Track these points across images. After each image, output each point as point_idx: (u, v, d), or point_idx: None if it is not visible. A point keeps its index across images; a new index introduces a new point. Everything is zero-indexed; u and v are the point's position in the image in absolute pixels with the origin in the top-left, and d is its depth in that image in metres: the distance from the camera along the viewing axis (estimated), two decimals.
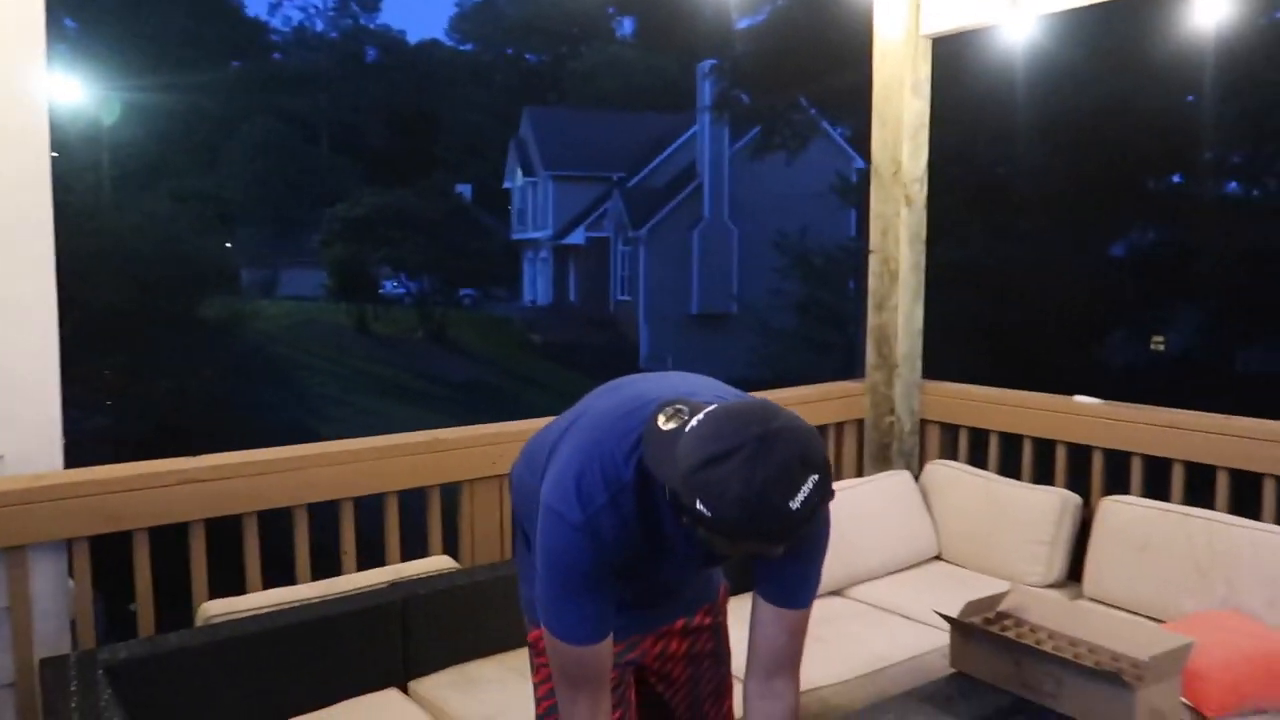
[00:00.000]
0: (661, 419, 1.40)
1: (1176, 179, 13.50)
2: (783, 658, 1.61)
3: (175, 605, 2.50)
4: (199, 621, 2.33)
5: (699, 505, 1.30)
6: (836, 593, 3.16)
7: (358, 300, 25.05)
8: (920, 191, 3.63)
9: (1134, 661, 1.98)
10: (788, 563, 1.49)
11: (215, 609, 2.33)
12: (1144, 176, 12.40)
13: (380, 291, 26.97)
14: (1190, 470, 3.09)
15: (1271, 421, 2.92)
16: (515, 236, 29.73)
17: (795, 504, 1.29)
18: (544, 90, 33.34)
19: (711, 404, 1.40)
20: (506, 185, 30.34)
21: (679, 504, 1.34)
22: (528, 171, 28.02)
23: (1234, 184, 13.86)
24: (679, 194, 22.27)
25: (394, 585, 2.49)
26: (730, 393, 1.58)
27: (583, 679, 1.54)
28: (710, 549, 1.40)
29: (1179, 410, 3.15)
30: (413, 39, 47.62)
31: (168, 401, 13.14)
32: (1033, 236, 11.92)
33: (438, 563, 2.71)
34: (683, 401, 1.43)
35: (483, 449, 2.89)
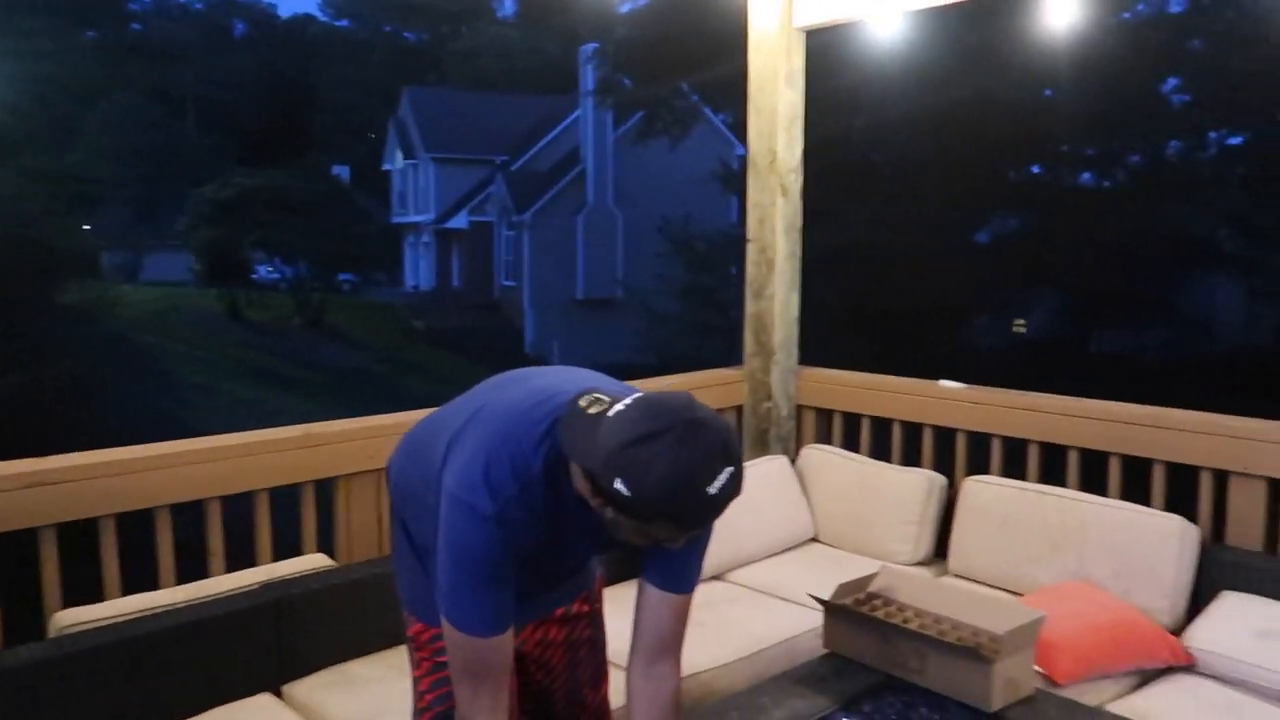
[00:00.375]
0: (583, 403, 1.43)
1: (1036, 169, 14.20)
2: (668, 641, 1.67)
3: (25, 616, 2.35)
4: (52, 633, 2.20)
5: (619, 485, 1.33)
6: (717, 577, 3.22)
7: (229, 285, 23.99)
8: (796, 181, 3.71)
9: (992, 636, 2.09)
10: (678, 549, 1.53)
11: (69, 619, 2.21)
12: (1006, 167, 13.02)
13: (253, 276, 25.89)
14: (1044, 450, 3.27)
15: (1116, 404, 3.11)
16: (396, 220, 29.00)
17: (713, 490, 1.33)
18: (424, 70, 32.54)
19: (636, 393, 1.44)
20: (386, 167, 29.54)
21: (596, 486, 1.37)
22: (408, 153, 27.35)
23: (1088, 175, 14.67)
24: (563, 178, 22.15)
25: (266, 586, 2.41)
26: (628, 388, 1.60)
27: (485, 672, 1.54)
28: (614, 536, 1.44)
29: (1034, 393, 3.33)
30: (284, 13, 45.79)
31: (21, 395, 12.32)
32: (904, 223, 12.37)
33: (313, 561, 2.64)
34: (601, 391, 1.46)
35: (359, 442, 2.82)
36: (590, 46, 18.62)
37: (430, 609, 1.61)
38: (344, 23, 37.94)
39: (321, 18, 38.44)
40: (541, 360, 17.61)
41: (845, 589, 2.36)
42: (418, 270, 29.12)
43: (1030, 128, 11.93)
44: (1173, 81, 13.19)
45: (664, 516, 1.35)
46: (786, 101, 3.65)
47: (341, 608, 2.47)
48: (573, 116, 22.54)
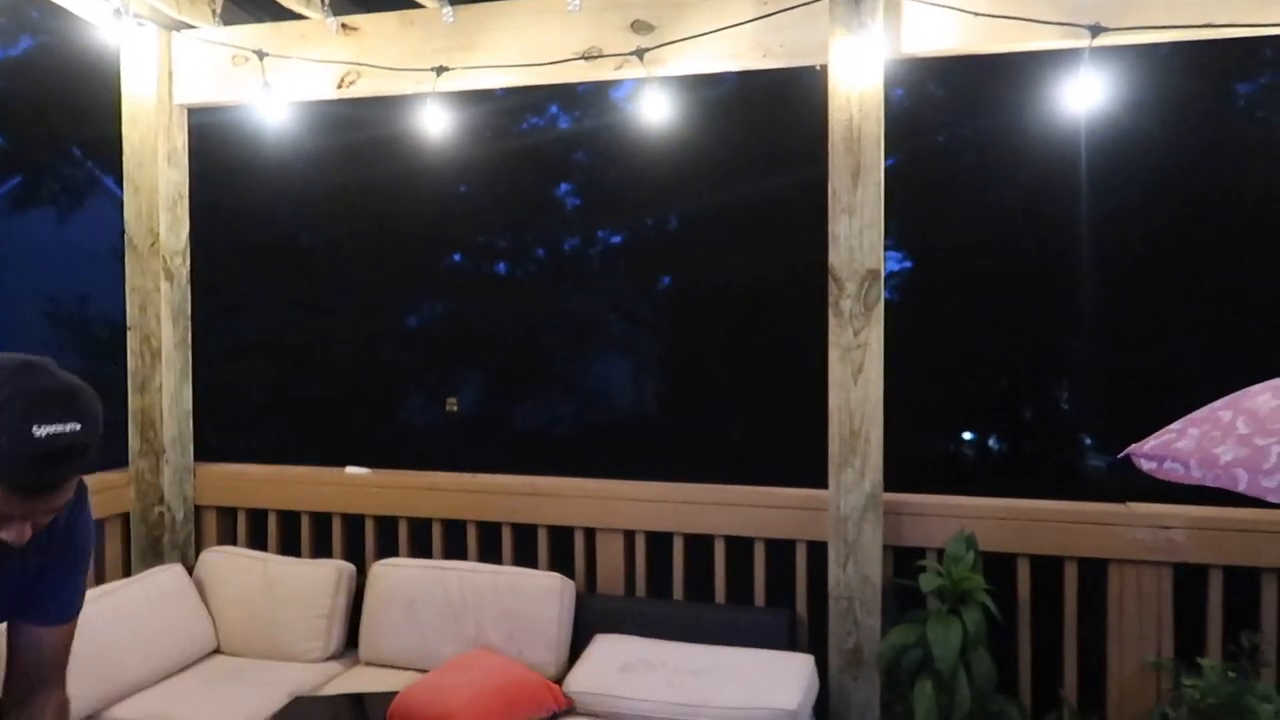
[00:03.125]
0: None
1: (457, 258, 15.19)
2: (57, 670, 1.60)
3: None
4: None
5: None
6: (92, 717, 2.78)
7: None
8: (183, 265, 3.46)
9: None
10: (64, 577, 1.50)
11: None
12: (431, 254, 13.72)
13: None
14: (447, 526, 3.42)
15: (503, 476, 3.41)
16: None
17: (41, 433, 1.20)
18: None
19: None
20: None
21: None
22: None
23: (503, 265, 16.09)
24: None
25: None
26: None
27: None
28: None
29: (434, 473, 3.49)
30: None
31: None
32: (335, 306, 12.34)
33: None
34: None
35: None
36: None
37: None
38: None
39: None
40: None
41: None
42: None
43: (450, 219, 12.78)
44: (565, 186, 15.15)
45: None
46: (169, 181, 3.41)
47: None
48: None
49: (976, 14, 2.70)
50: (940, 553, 2.82)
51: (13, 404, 1.21)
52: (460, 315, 14.26)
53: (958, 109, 10.32)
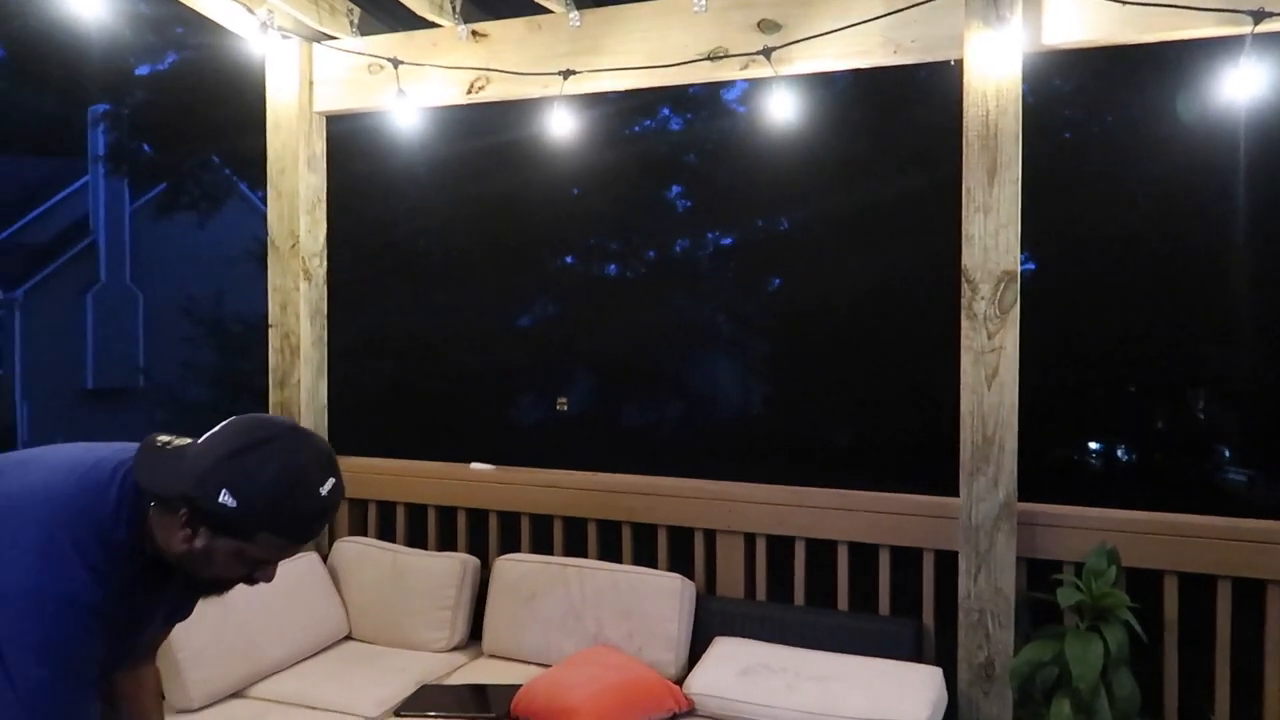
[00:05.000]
0: (159, 442, 1.41)
1: (569, 259, 15.40)
2: (155, 647, 1.74)
3: None
4: None
5: (224, 498, 1.31)
6: (237, 694, 2.92)
7: None
8: (320, 266, 3.61)
9: None
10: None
11: None
12: (544, 257, 13.95)
13: None
14: (568, 523, 3.46)
15: (624, 476, 3.43)
16: None
17: (325, 490, 1.37)
18: None
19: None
20: None
21: (192, 512, 1.33)
22: None
23: (613, 267, 16.24)
24: (67, 252, 19.40)
25: None
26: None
27: None
28: (201, 578, 1.41)
29: (556, 470, 3.53)
30: None
31: None
32: (452, 307, 12.67)
33: None
34: (166, 435, 1.44)
35: None
36: (101, 107, 16.69)
37: None
38: None
39: None
40: None
41: None
42: None
43: (562, 222, 12.96)
44: (676, 188, 15.17)
45: (270, 528, 1.34)
46: (308, 185, 3.56)
47: None
48: (79, 183, 19.94)
49: (1125, 2, 2.58)
50: (1078, 566, 2.70)
51: (301, 474, 1.36)
52: (571, 316, 14.45)
53: (1086, 104, 9.89)
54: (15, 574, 1.33)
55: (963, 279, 2.75)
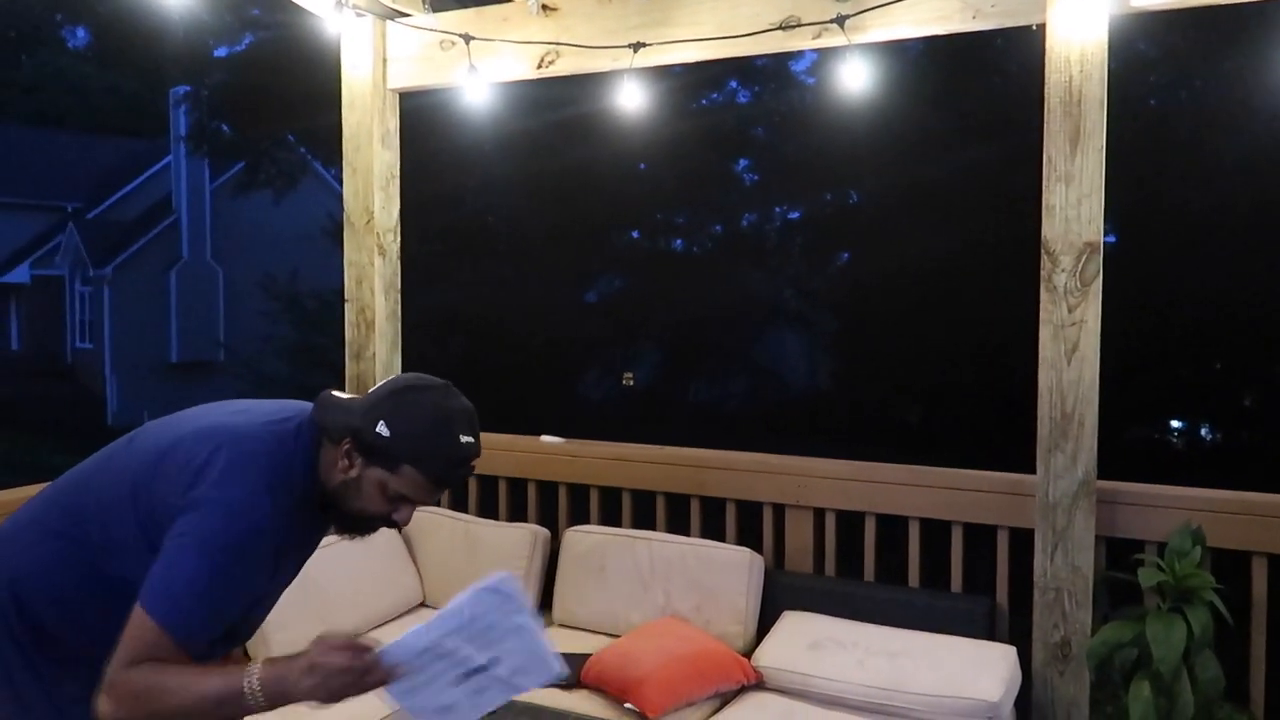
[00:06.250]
0: (335, 393, 1.64)
1: (635, 235, 15.38)
2: None
3: None
4: None
5: (380, 428, 1.51)
6: None
7: None
8: (393, 242, 3.67)
9: None
10: None
11: None
12: (609, 232, 13.96)
13: None
14: (636, 496, 3.49)
15: (692, 450, 3.43)
16: None
17: (465, 440, 1.55)
18: None
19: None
20: None
21: (356, 443, 1.52)
22: None
23: (679, 241, 16.17)
24: (152, 230, 20.04)
25: None
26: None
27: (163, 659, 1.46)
28: (347, 510, 1.58)
29: (624, 444, 3.56)
30: None
31: None
32: (518, 283, 12.78)
33: None
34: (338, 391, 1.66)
35: None
36: (182, 89, 17.16)
37: None
38: None
39: None
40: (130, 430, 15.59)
41: None
42: None
43: (628, 197, 12.94)
44: (744, 162, 15.01)
45: (414, 461, 1.51)
46: (382, 162, 3.61)
47: None
48: (163, 163, 20.55)
49: None
50: (1160, 546, 2.63)
51: (448, 420, 1.55)
52: (638, 291, 14.45)
53: (1173, 69, 9.50)
54: (214, 488, 1.51)
55: (1042, 250, 2.67)
